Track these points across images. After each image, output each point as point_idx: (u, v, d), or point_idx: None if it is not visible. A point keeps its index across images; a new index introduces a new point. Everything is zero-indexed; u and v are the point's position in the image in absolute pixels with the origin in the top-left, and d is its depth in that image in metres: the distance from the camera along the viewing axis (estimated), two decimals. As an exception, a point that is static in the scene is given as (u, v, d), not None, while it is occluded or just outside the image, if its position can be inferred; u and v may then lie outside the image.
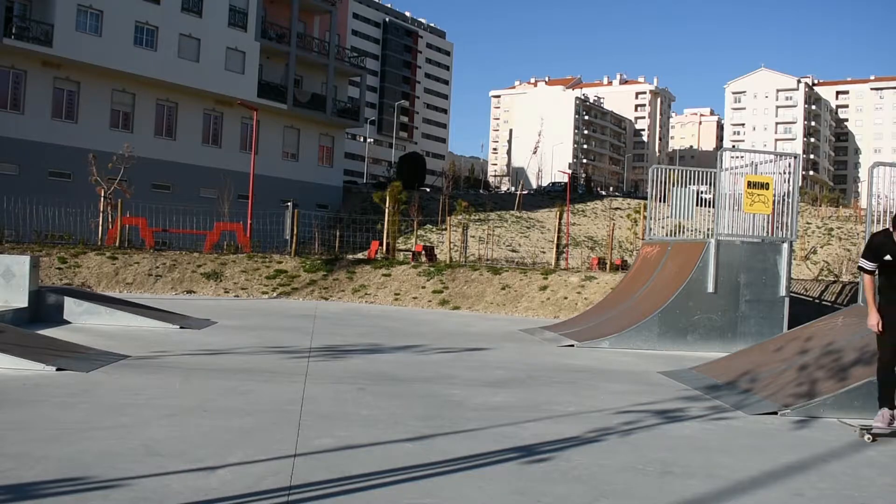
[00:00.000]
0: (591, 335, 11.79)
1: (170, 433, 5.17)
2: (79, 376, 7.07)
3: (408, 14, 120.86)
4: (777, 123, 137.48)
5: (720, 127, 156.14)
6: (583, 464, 4.89)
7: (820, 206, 62.73)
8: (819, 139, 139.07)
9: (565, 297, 16.84)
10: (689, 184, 14.36)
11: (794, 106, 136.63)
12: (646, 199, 20.55)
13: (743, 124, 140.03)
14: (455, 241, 27.01)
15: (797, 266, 26.62)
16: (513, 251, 38.80)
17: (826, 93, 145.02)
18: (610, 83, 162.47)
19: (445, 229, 26.86)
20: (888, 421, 5.88)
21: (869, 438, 5.80)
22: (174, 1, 40.35)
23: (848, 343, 7.75)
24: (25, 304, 10.81)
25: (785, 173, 12.64)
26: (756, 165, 13.04)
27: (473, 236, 35.58)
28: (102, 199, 21.60)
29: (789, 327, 11.22)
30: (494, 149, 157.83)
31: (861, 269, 6.08)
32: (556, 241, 26.23)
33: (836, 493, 4.54)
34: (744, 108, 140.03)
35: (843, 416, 6.58)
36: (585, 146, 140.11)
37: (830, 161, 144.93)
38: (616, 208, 53.68)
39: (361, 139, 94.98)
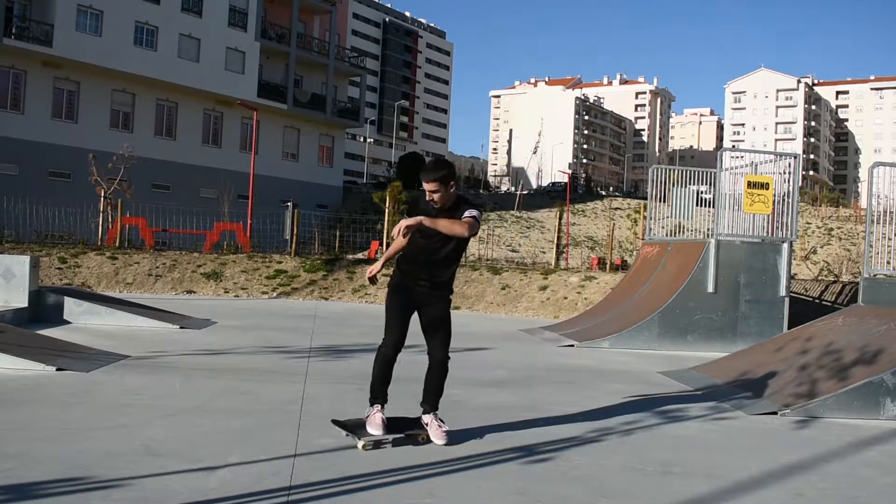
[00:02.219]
0: (591, 335, 11.79)
1: (170, 433, 5.17)
2: (79, 376, 7.06)
3: (408, 14, 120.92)
4: (777, 123, 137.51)
5: (720, 127, 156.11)
6: (583, 464, 4.88)
7: (820, 206, 62.68)
8: (819, 139, 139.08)
9: (565, 297, 16.84)
10: (689, 184, 14.37)
11: (794, 106, 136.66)
12: (646, 199, 20.54)
13: (743, 124, 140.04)
14: (455, 241, 26.89)
15: (797, 266, 26.62)
16: (513, 251, 38.79)
17: (826, 93, 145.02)
18: (610, 83, 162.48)
19: (445, 229, 26.72)
20: (381, 427, 4.97)
21: (368, 446, 4.88)
22: (174, 1, 40.38)
23: (848, 343, 7.75)
24: (25, 304, 10.80)
25: (785, 173, 12.65)
26: (756, 165, 13.05)
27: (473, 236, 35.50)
28: (102, 199, 21.59)
29: (789, 327, 11.22)
30: (494, 149, 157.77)
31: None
32: (556, 241, 26.21)
33: (836, 493, 4.54)
34: (744, 108, 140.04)
35: (844, 416, 6.58)
36: (585, 146, 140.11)
37: (830, 161, 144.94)
38: (616, 208, 53.67)
39: (361, 139, 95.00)
